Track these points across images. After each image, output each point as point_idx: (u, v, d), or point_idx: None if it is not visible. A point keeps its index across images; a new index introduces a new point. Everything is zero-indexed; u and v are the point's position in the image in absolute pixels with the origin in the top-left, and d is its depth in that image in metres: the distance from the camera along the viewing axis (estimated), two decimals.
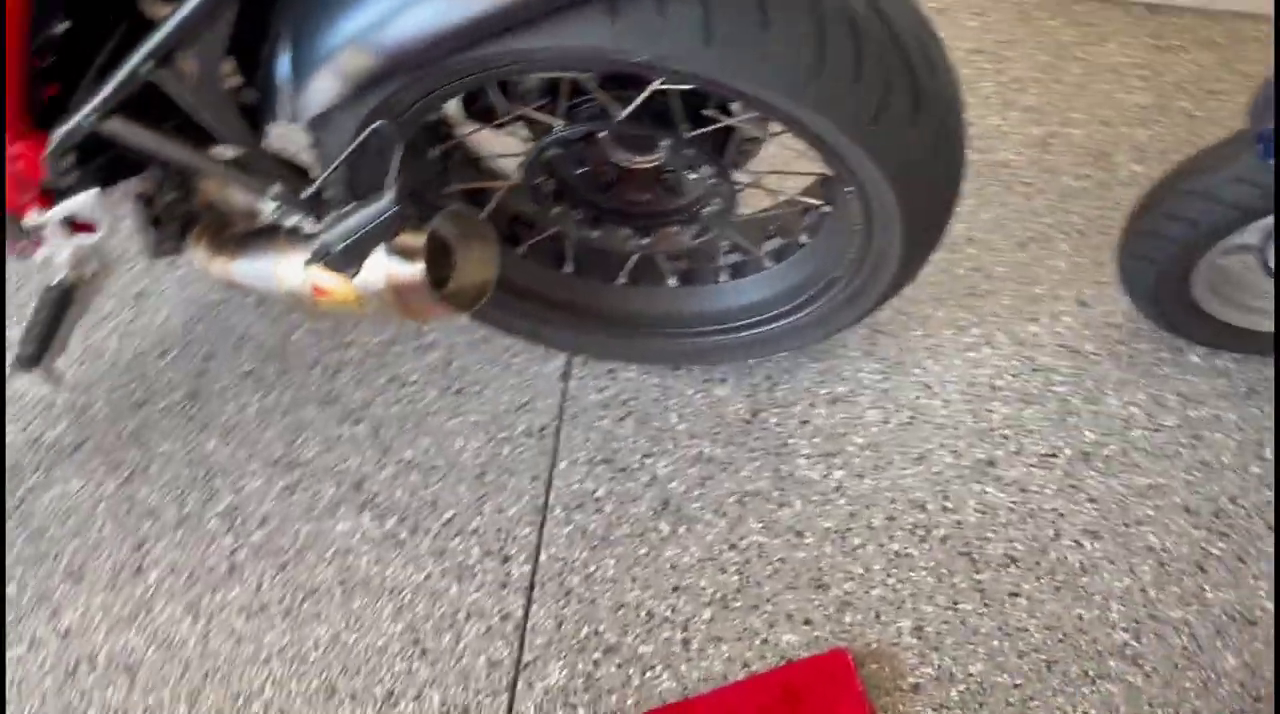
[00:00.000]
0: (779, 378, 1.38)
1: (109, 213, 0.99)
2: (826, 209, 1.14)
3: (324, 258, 0.87)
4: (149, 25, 0.83)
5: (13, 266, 1.46)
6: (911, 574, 1.25)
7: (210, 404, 1.36)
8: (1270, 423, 1.31)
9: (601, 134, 1.07)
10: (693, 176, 1.12)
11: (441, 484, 1.31)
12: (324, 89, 0.89)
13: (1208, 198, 1.11)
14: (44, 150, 0.91)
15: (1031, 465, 1.31)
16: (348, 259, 0.87)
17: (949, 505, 1.29)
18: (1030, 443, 1.33)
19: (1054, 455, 1.32)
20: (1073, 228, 1.47)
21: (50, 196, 1.00)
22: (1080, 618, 1.21)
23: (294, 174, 0.88)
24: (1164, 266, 1.21)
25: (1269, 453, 1.30)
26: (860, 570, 1.25)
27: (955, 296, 1.43)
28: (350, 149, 0.85)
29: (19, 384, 1.37)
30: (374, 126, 0.84)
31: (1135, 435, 1.33)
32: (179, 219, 1.10)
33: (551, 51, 0.84)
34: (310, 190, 0.87)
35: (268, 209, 0.94)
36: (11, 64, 0.86)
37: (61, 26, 0.91)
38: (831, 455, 1.33)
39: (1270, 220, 1.12)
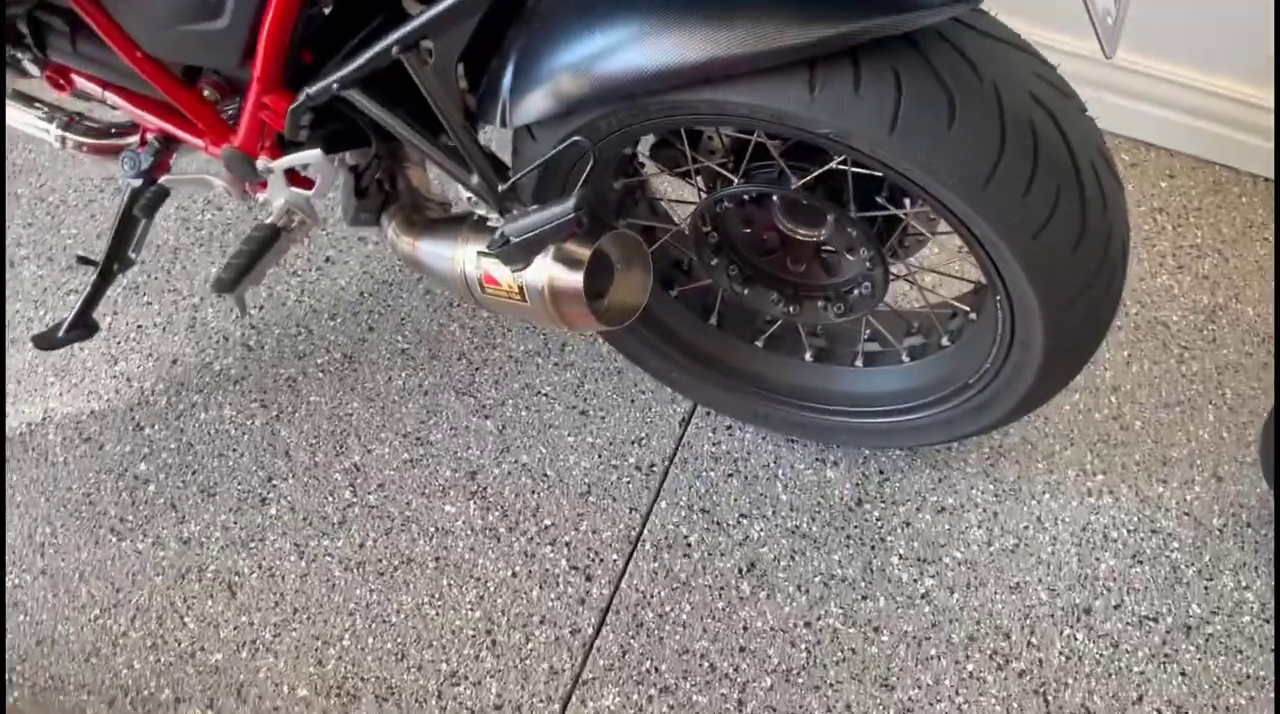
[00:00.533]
0: (891, 475, 1.39)
1: (325, 175, 1.11)
2: (973, 317, 1.17)
3: (501, 247, 0.96)
4: (403, 17, 0.94)
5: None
6: (981, 698, 1.23)
7: (362, 370, 1.47)
8: None
9: (773, 199, 1.14)
10: (850, 258, 1.17)
11: (548, 493, 1.37)
12: (537, 104, 0.98)
13: None
14: (289, 105, 1.04)
15: (1129, 623, 1.28)
16: (521, 253, 0.96)
17: (1034, 641, 1.27)
18: (1132, 601, 1.30)
19: (1155, 619, 1.28)
20: (1223, 401, 1.45)
21: (282, 149, 1.13)
22: None
23: (495, 170, 0.97)
24: None
25: None
26: (930, 681, 1.25)
27: (1088, 440, 1.42)
28: (550, 154, 0.94)
29: (206, 313, 1.51)
30: (574, 138, 0.93)
31: (1244, 621, 1.28)
32: (381, 196, 1.21)
33: (745, 108, 0.91)
34: (506, 186, 0.96)
35: (462, 198, 1.04)
36: (282, 27, 0.99)
37: (329, 7, 1.04)
38: (927, 562, 1.33)
39: None
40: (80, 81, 1.23)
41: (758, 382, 1.36)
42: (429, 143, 0.99)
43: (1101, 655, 1.26)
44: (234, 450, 1.40)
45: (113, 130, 1.30)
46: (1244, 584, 1.31)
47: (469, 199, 1.03)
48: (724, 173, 1.12)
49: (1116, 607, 1.30)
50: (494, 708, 1.23)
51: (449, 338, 1.50)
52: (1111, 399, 1.46)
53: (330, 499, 1.37)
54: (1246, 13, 1.50)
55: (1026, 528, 1.36)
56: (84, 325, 1.36)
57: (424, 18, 0.90)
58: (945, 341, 1.23)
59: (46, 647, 1.26)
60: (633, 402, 1.46)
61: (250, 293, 1.20)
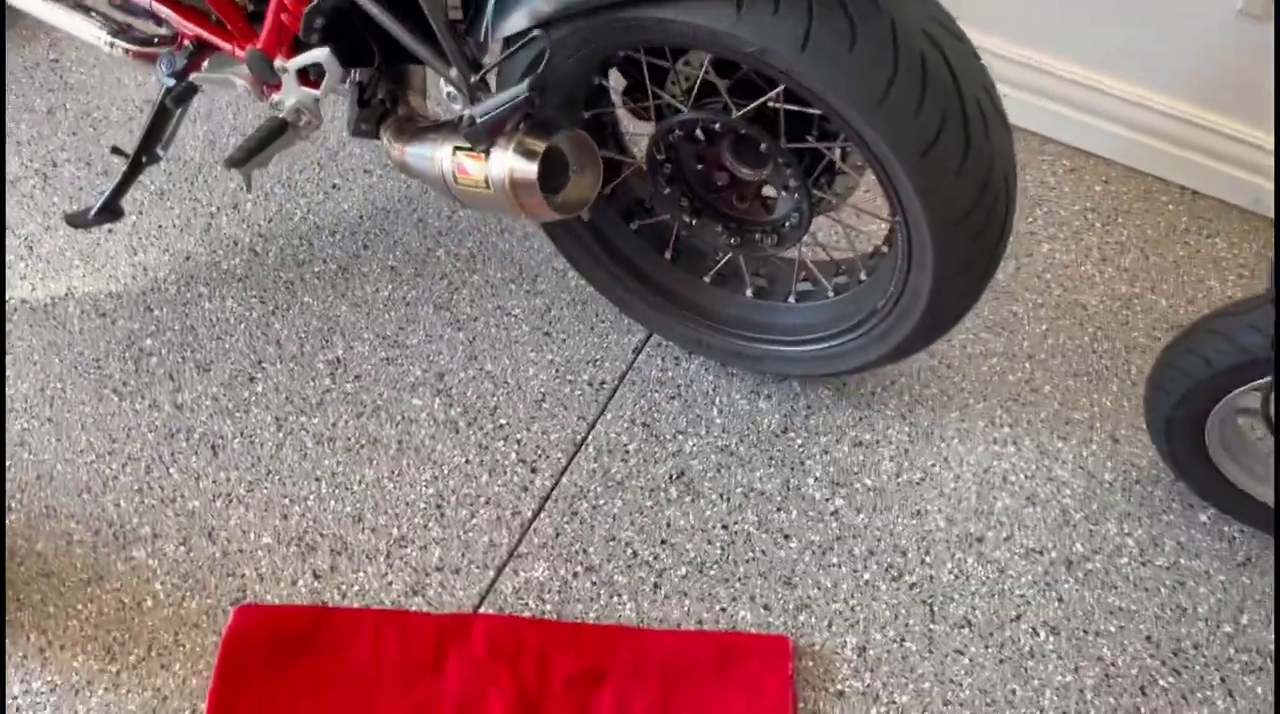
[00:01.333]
0: (817, 410, 1.54)
1: (331, 74, 1.28)
2: (885, 249, 1.33)
3: (468, 128, 1.13)
4: None
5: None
6: (873, 603, 1.36)
7: (353, 280, 1.63)
8: (1258, 595, 1.37)
9: (721, 138, 1.30)
10: (785, 196, 1.33)
11: (506, 398, 1.53)
12: (514, 21, 1.16)
13: (1225, 338, 1.23)
14: (305, 7, 1.22)
15: (1016, 553, 1.41)
16: (484, 132, 1.13)
17: (927, 560, 1.41)
18: (1022, 536, 1.43)
19: (1040, 552, 1.42)
20: (1128, 376, 1.59)
21: (296, 51, 1.31)
22: (1013, 693, 1.30)
23: (471, 67, 1.14)
24: (1178, 402, 1.32)
25: (1245, 619, 1.36)
26: (829, 584, 1.38)
27: (999, 397, 1.56)
28: (514, 49, 1.12)
29: (221, 221, 1.69)
30: (533, 35, 1.10)
31: (1122, 562, 1.41)
32: (380, 109, 1.39)
33: (682, 26, 1.09)
34: (477, 76, 1.14)
35: (444, 99, 1.21)
36: None
37: None
38: (839, 485, 1.47)
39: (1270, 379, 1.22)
40: None
41: (703, 312, 1.51)
42: (417, 40, 1.17)
43: (988, 578, 1.39)
44: (230, 336, 1.57)
45: (155, 40, 1.48)
46: (1126, 531, 1.44)
47: (448, 94, 1.20)
48: (677, 104, 1.29)
49: (1007, 539, 1.43)
50: (435, 569, 1.37)
51: (434, 261, 1.67)
52: (1026, 365, 1.60)
53: (311, 384, 1.53)
54: (1187, 33, 1.66)
55: (934, 465, 1.49)
56: (111, 210, 1.54)
57: None
58: (864, 276, 1.38)
59: (45, 481, 1.41)
60: (592, 329, 1.61)
61: (256, 174, 1.36)
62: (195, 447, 1.46)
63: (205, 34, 1.38)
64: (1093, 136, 1.85)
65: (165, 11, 1.40)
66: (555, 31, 1.16)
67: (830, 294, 1.43)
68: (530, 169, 1.16)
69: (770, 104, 1.22)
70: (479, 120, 1.12)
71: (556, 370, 1.56)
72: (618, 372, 1.57)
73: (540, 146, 1.16)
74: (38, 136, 1.77)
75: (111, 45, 1.48)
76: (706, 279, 1.51)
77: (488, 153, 1.19)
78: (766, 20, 1.05)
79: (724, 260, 1.49)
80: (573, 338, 1.60)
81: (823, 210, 1.34)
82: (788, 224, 1.34)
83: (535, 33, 1.10)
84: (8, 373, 1.51)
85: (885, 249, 1.34)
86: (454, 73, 1.15)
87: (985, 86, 1.11)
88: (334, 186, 1.74)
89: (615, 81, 1.38)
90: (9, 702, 1.24)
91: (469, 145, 1.21)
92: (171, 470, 1.43)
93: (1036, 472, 1.49)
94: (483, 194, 1.22)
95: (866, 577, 1.39)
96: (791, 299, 1.46)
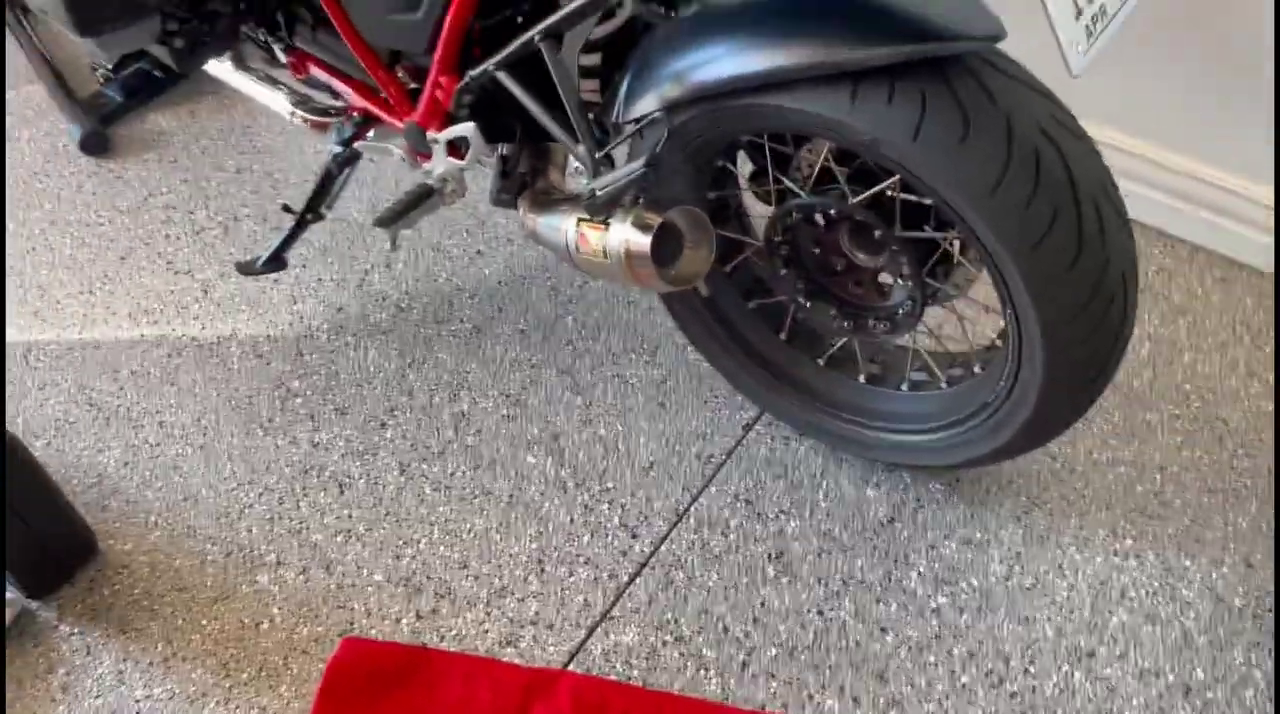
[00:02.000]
0: (927, 503, 1.51)
1: (475, 148, 1.39)
2: (999, 343, 1.31)
3: (589, 200, 1.20)
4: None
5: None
6: (969, 707, 1.32)
7: (485, 340, 1.72)
8: None
9: (838, 224, 1.33)
10: (900, 284, 1.34)
11: (615, 463, 1.57)
12: (643, 103, 1.22)
13: None
14: (456, 85, 1.32)
15: (1129, 673, 1.34)
16: (604, 203, 1.19)
17: (1032, 670, 1.35)
18: (1137, 655, 1.36)
19: (1156, 675, 1.34)
20: (1269, 497, 1.50)
21: (446, 125, 1.42)
22: None
23: (597, 144, 1.22)
24: None
25: None
26: (923, 683, 1.34)
27: (1124, 508, 1.50)
28: (637, 127, 1.18)
29: (374, 278, 1.81)
30: (654, 116, 1.17)
31: (1247, 695, 1.32)
32: (520, 181, 1.48)
33: (797, 114, 1.13)
34: (602, 153, 1.21)
35: (572, 174, 1.29)
36: (461, 20, 1.28)
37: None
38: (944, 582, 1.43)
39: None
40: (312, 68, 1.58)
41: (815, 394, 1.52)
42: (551, 118, 1.25)
43: (1095, 695, 1.32)
44: (369, 383, 1.68)
45: (329, 111, 1.64)
46: (1254, 662, 1.35)
47: (575, 169, 1.28)
48: (796, 189, 1.33)
49: (1120, 657, 1.36)
50: (530, 622, 1.41)
51: (562, 327, 1.74)
52: (1156, 477, 1.53)
53: (435, 435, 1.61)
54: None
55: (1047, 572, 1.44)
56: (278, 261, 1.68)
57: (557, 15, 1.18)
58: (978, 369, 1.37)
59: (190, 503, 1.54)
60: (705, 403, 1.64)
61: (401, 235, 1.47)
62: (325, 484, 1.55)
63: (371, 107, 1.51)
64: (1246, 247, 1.77)
65: (340, 86, 1.54)
66: (680, 115, 1.22)
67: (944, 385, 1.42)
68: (644, 241, 1.22)
69: (888, 192, 1.25)
70: (599, 192, 1.19)
71: (666, 441, 1.60)
72: (726, 447, 1.59)
73: (655, 220, 1.22)
74: (224, 193, 1.96)
75: (293, 114, 1.64)
76: (820, 361, 1.52)
77: (607, 224, 1.25)
78: (880, 110, 1.08)
79: (839, 344, 1.51)
80: (685, 410, 1.63)
81: (939, 301, 1.34)
82: (901, 312, 1.35)
83: (656, 114, 1.16)
84: (173, 403, 1.66)
85: (999, 343, 1.32)
86: (581, 149, 1.23)
87: (1104, 185, 1.10)
88: (479, 252, 1.85)
89: (741, 165, 1.43)
90: (133, 704, 1.34)
91: (590, 216, 1.28)
92: (301, 504, 1.53)
93: (1159, 589, 1.42)
94: (601, 263, 1.28)
95: (964, 680, 1.34)
96: (904, 387, 1.46)
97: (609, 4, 1.17)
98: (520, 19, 1.31)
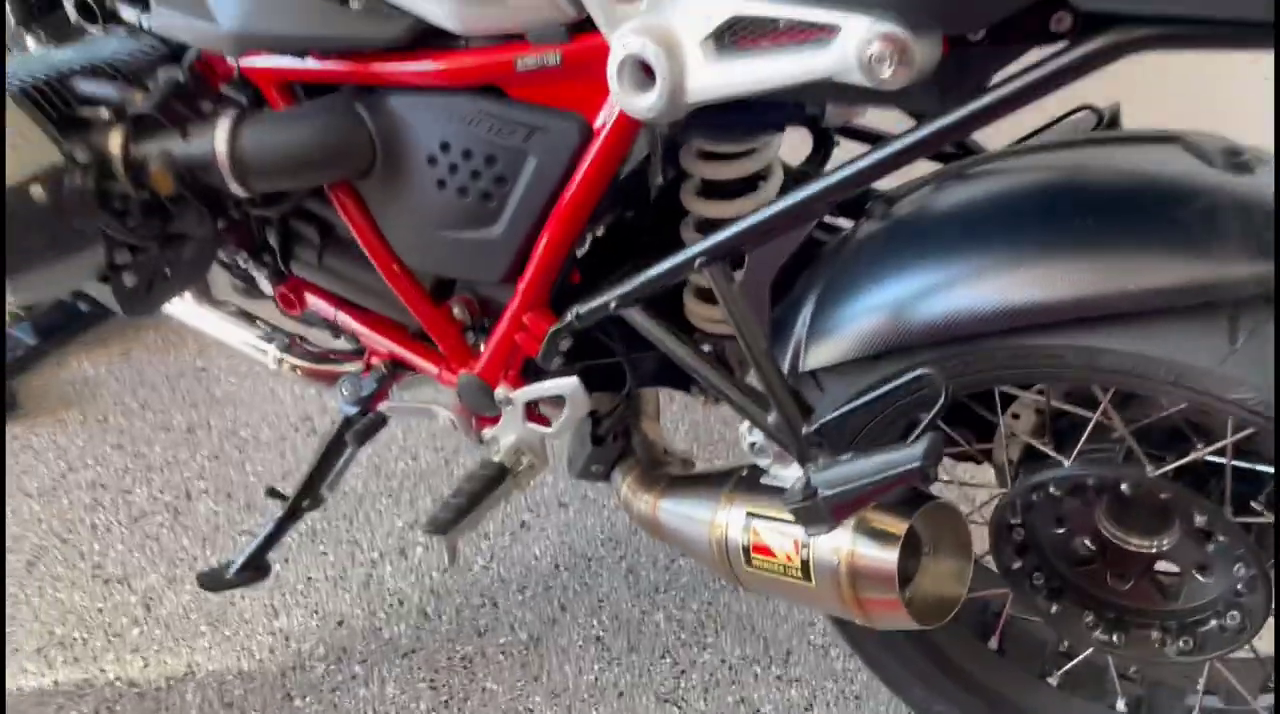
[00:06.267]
0: None
1: (574, 409, 0.96)
2: None
3: (802, 501, 0.76)
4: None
5: None
6: None
7: (549, 657, 1.24)
8: None
9: (1101, 493, 0.92)
10: (1201, 579, 0.92)
11: None
12: (841, 346, 0.83)
13: None
14: (550, 326, 0.91)
15: None
16: (831, 510, 0.76)
17: None
18: None
19: None
20: None
21: (526, 378, 0.99)
22: None
23: (798, 408, 0.80)
24: None
25: None
26: None
27: None
28: (887, 387, 0.77)
29: (384, 571, 1.34)
30: (919, 372, 0.75)
31: None
32: (617, 447, 1.05)
33: (1131, 360, 0.73)
34: (812, 427, 0.78)
35: (744, 442, 0.86)
36: (564, 240, 0.88)
37: (602, 229, 0.95)
38: None
39: None
40: (313, 300, 1.15)
41: None
42: (718, 375, 0.84)
43: None
44: None
45: (332, 356, 1.20)
46: None
47: (753, 446, 0.85)
48: (1046, 450, 0.92)
49: None
50: None
51: (651, 629, 1.27)
52: None
53: None
54: None
55: None
56: (256, 567, 1.20)
57: (740, 227, 0.78)
58: None
59: None
60: None
61: (463, 541, 1.04)
62: None
63: (405, 352, 1.08)
64: None
65: (357, 326, 1.12)
66: (902, 360, 0.82)
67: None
68: (887, 557, 0.79)
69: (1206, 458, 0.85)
70: (823, 493, 0.75)
71: None
72: None
73: (901, 526, 0.79)
74: (173, 461, 1.48)
75: (280, 362, 1.21)
76: (1052, 681, 1.08)
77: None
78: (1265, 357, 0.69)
79: (1080, 656, 1.07)
80: None
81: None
82: (1215, 624, 0.92)
83: (923, 369, 0.75)
84: None
85: None
86: (773, 418, 0.80)
87: None
88: (523, 525, 1.39)
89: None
90: None
91: (772, 512, 0.85)
92: None
93: None
94: (792, 585, 0.85)
95: None
96: None
97: (819, 212, 0.78)
98: (650, 235, 0.92)
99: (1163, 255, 0.72)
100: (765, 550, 0.86)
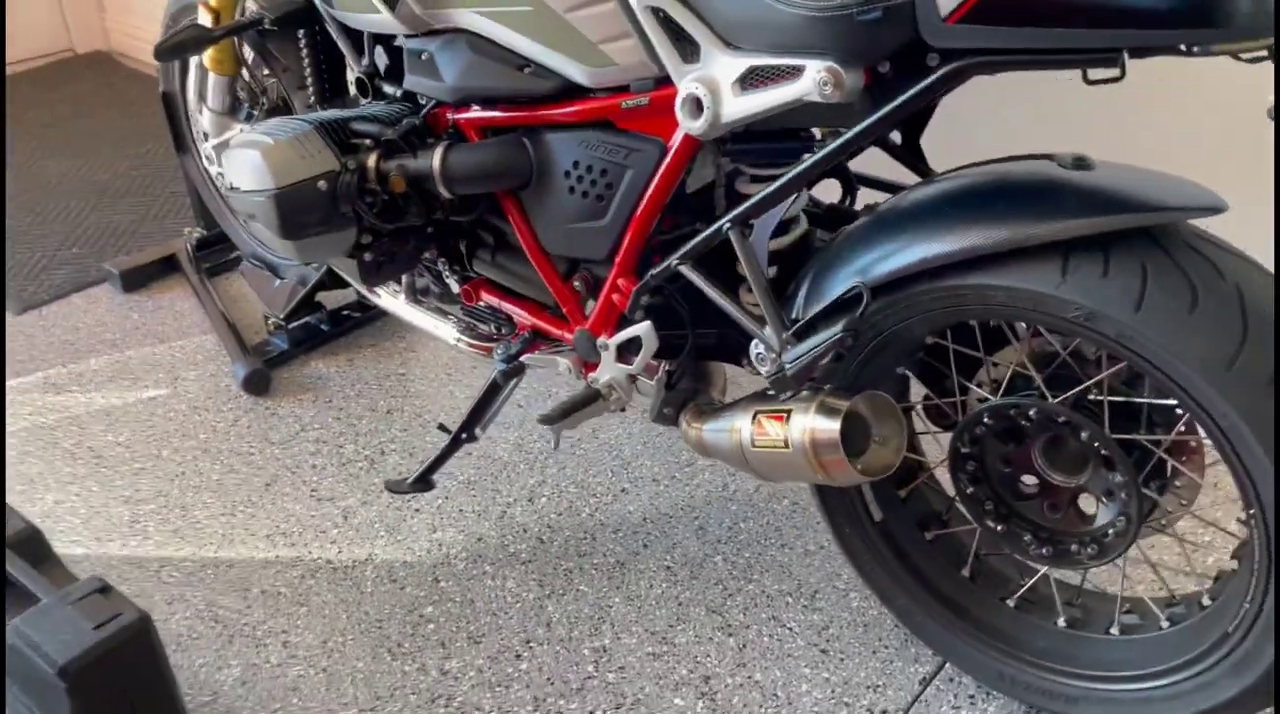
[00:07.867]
0: None
1: (647, 348, 1.36)
2: (1234, 566, 1.15)
3: (776, 375, 1.14)
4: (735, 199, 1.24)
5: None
6: None
7: (629, 575, 1.61)
8: None
9: (1032, 436, 1.24)
10: (1108, 503, 1.22)
11: (775, 710, 1.39)
12: (837, 285, 1.20)
13: None
14: (635, 287, 1.33)
15: None
16: (795, 378, 1.13)
17: None
18: None
19: None
20: None
21: (619, 330, 1.41)
22: None
23: (781, 322, 1.18)
24: None
25: None
26: None
27: None
28: (831, 300, 1.15)
29: (515, 511, 1.75)
30: (852, 288, 1.13)
31: None
32: (683, 395, 1.44)
33: (1004, 292, 1.08)
34: (788, 332, 1.17)
35: (752, 354, 1.24)
36: (648, 222, 1.31)
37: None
38: None
39: None
40: (485, 295, 1.62)
41: (1005, 641, 1.35)
42: (732, 303, 1.24)
43: None
44: (505, 613, 1.56)
45: (493, 336, 1.66)
46: None
47: (756, 357, 1.24)
48: (985, 393, 1.25)
49: None
50: None
51: (711, 566, 1.62)
52: None
53: (574, 669, 1.46)
54: None
55: None
56: (426, 481, 1.65)
57: (748, 203, 1.19)
58: (1207, 601, 1.20)
59: None
60: (875, 653, 1.47)
61: (563, 435, 1.42)
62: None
63: (542, 323, 1.53)
64: None
65: (511, 307, 1.57)
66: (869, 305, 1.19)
67: (1163, 625, 1.24)
68: (832, 427, 1.14)
69: (1092, 393, 1.17)
70: (789, 366, 1.14)
71: (833, 690, 1.42)
72: (902, 703, 1.40)
73: (843, 405, 1.15)
74: (373, 430, 1.96)
75: (458, 340, 1.67)
76: (1010, 603, 1.36)
77: (787, 415, 1.19)
78: (1095, 282, 1.03)
79: (1029, 583, 1.35)
80: (852, 659, 1.46)
81: (1157, 522, 1.21)
82: (1111, 532, 1.21)
83: (854, 283, 1.13)
84: (301, 623, 1.56)
85: (1235, 567, 1.16)
86: (768, 331, 1.19)
87: None
88: (623, 490, 1.79)
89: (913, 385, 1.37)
90: None
91: (769, 408, 1.22)
92: None
93: None
94: (781, 455, 1.21)
95: None
96: (1114, 631, 1.28)
97: (798, 189, 1.19)
98: (697, 220, 1.34)
99: (1023, 215, 1.07)
100: (763, 432, 1.23)
